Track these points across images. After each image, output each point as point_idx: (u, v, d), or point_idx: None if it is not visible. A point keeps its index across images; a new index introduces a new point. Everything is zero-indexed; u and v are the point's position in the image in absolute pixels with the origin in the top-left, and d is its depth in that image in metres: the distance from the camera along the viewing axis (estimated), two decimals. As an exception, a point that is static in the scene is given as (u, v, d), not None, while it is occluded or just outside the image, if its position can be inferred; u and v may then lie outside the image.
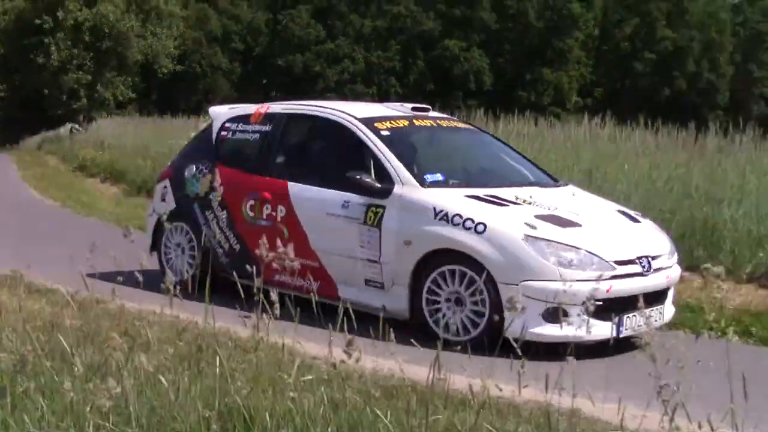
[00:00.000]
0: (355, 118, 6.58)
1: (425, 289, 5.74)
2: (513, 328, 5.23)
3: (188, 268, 7.17)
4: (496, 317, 5.41)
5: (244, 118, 7.29)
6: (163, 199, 7.56)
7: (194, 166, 7.35)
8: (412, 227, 5.82)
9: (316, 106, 7.15)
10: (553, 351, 4.11)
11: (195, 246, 7.19)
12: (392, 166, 6.10)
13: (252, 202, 6.79)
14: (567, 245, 5.45)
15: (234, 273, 6.26)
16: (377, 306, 5.84)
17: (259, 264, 5.42)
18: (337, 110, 6.81)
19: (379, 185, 6.05)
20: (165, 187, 7.57)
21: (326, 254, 6.29)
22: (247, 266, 5.64)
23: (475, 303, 5.54)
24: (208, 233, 7.07)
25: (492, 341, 5.30)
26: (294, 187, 6.58)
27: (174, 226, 7.30)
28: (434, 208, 5.77)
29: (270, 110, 7.19)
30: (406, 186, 5.98)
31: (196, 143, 7.84)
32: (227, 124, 7.36)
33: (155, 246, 7.50)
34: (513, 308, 5.18)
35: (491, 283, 5.44)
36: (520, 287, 5.33)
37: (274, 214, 6.62)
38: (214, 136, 7.42)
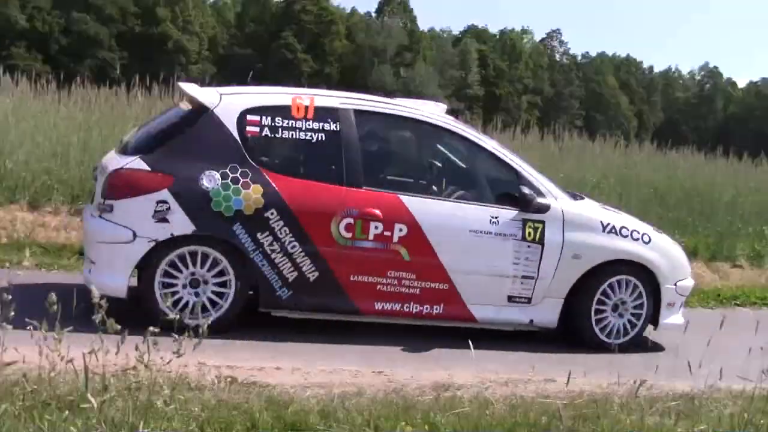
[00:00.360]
0: (456, 120, 6.01)
1: (596, 299, 5.96)
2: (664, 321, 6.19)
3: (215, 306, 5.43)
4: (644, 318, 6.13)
5: (280, 111, 5.64)
6: (163, 219, 5.29)
7: (216, 173, 5.37)
8: (582, 241, 5.88)
9: (388, 103, 6.05)
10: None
11: (231, 277, 5.37)
12: (537, 180, 5.94)
13: (349, 220, 5.52)
14: (680, 245, 6.49)
15: (298, 307, 5.63)
16: (522, 321, 5.89)
17: (361, 292, 5.22)
18: (429, 114, 6.02)
19: (543, 201, 5.84)
20: (162, 202, 5.28)
21: (462, 275, 5.74)
22: (330, 297, 5.09)
23: (636, 306, 6.07)
24: (259, 261, 5.39)
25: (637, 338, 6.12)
26: (414, 202, 5.67)
27: (190, 253, 5.37)
28: (601, 222, 5.98)
29: (318, 103, 5.73)
30: (560, 200, 5.93)
31: (190, 137, 5.54)
32: (250, 117, 5.56)
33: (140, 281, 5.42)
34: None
35: (653, 286, 6.08)
36: (677, 287, 6.19)
37: (388, 234, 5.58)
38: (233, 130, 5.51)
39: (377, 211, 5.55)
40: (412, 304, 5.70)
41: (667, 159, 15.27)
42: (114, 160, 5.57)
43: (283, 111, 5.62)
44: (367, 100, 6.00)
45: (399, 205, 5.62)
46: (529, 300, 5.87)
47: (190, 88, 5.80)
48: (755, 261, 10.44)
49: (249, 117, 5.55)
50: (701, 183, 13.06)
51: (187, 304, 5.30)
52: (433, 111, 6.19)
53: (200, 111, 5.58)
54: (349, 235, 5.53)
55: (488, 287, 5.80)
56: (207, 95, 5.66)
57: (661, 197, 11.81)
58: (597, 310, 5.98)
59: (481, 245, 5.73)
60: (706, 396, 4.40)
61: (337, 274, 5.54)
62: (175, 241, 5.31)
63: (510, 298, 5.86)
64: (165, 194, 5.28)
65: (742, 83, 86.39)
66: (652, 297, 6.08)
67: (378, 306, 5.66)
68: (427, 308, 5.71)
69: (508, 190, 5.90)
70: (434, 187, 5.91)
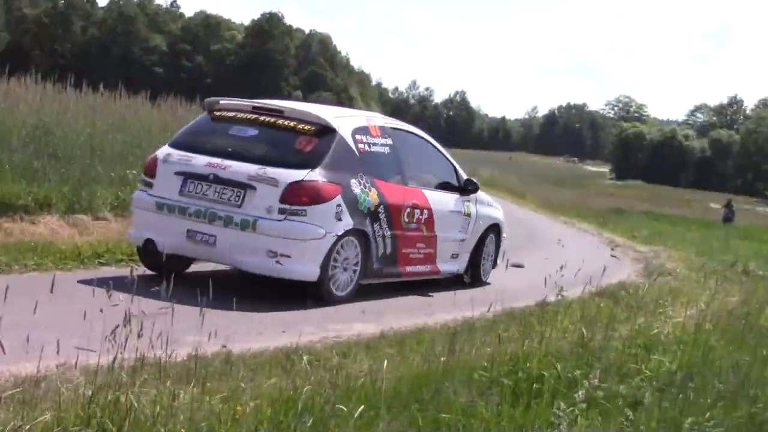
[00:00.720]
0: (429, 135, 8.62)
1: (483, 251, 9.17)
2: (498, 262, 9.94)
3: (350, 280, 7.27)
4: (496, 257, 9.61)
5: (366, 130, 7.59)
6: (339, 219, 6.98)
7: (357, 181, 7.21)
8: (483, 212, 9.07)
9: (399, 120, 8.28)
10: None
11: (360, 258, 7.30)
12: (462, 172, 8.81)
13: (409, 210, 7.78)
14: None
15: (378, 275, 7.97)
16: (454, 271, 8.95)
17: (403, 261, 8.48)
18: (415, 128, 8.48)
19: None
20: (339, 205, 6.96)
21: (441, 241, 8.45)
22: (391, 265, 8.12)
23: (492, 253, 9.46)
24: (372, 243, 7.40)
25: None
26: (428, 193, 8.17)
27: (346, 242, 7.13)
28: (486, 199, 9.24)
29: (377, 123, 7.81)
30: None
31: (335, 154, 7.06)
32: (357, 136, 7.40)
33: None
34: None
35: (499, 238, 9.56)
36: (507, 236, 9.83)
37: (420, 217, 8.01)
38: (352, 147, 7.27)
39: (418, 202, 7.85)
40: (419, 265, 8.13)
41: (7, 90, 12.88)
42: (278, 172, 6.74)
43: (367, 130, 7.58)
44: (389, 119, 8.27)
45: (423, 196, 8.05)
46: (458, 255, 8.80)
47: (317, 112, 7.30)
48: (120, 211, 9.31)
49: (357, 136, 7.36)
50: (51, 119, 11.43)
51: (335, 281, 7.02)
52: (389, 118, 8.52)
53: (326, 131, 7.11)
54: (408, 220, 7.76)
55: (448, 248, 8.58)
56: (332, 119, 7.24)
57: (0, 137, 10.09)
58: (481, 259, 9.22)
59: (451, 220, 8.52)
60: (54, 376, 3.89)
61: (398, 248, 7.70)
62: (341, 234, 6.92)
63: (452, 255, 8.71)
64: (339, 200, 6.93)
65: (102, 1, 78.29)
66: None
67: (409, 269, 7.99)
68: (424, 267, 8.22)
69: (449, 180, 8.73)
70: (429, 181, 8.39)
